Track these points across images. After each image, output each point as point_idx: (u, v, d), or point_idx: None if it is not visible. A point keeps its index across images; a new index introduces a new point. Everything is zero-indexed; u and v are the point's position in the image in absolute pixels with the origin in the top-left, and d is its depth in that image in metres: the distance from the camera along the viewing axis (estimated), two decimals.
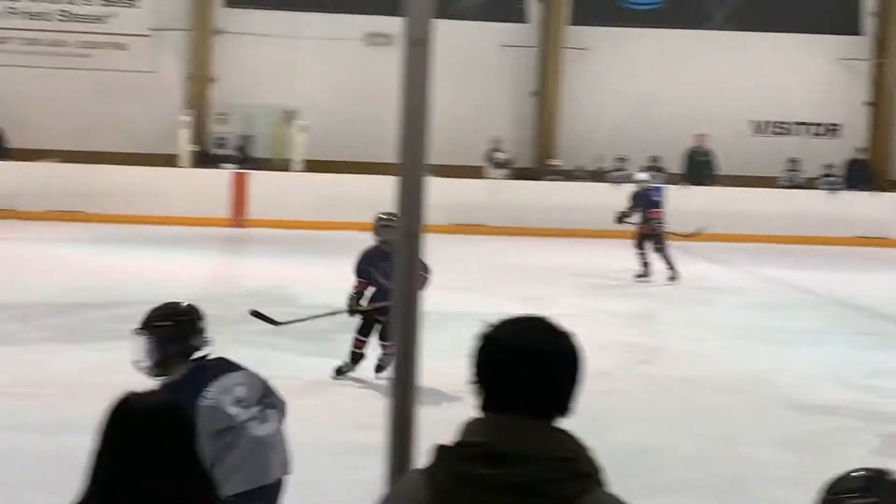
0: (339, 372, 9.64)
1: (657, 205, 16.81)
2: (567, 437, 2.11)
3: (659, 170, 23.75)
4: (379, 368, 9.49)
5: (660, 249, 16.38)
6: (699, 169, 23.73)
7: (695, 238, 16.49)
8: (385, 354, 9.40)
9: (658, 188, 17.39)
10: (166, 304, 4.90)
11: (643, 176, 17.72)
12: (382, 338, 9.47)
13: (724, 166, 23.73)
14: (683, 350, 11.54)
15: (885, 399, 9.65)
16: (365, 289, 9.62)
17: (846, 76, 25.75)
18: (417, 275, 2.60)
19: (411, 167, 2.62)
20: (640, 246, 16.46)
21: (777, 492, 7.10)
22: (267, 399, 4.84)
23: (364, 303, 9.66)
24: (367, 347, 9.63)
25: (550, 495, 2.02)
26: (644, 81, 24.95)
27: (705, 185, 23.28)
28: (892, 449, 8.22)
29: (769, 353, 11.58)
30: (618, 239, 17.02)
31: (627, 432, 7.86)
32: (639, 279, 16.14)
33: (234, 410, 4.59)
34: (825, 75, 25.67)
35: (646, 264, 16.31)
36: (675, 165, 23.70)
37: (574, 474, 2.06)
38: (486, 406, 2.13)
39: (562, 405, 2.13)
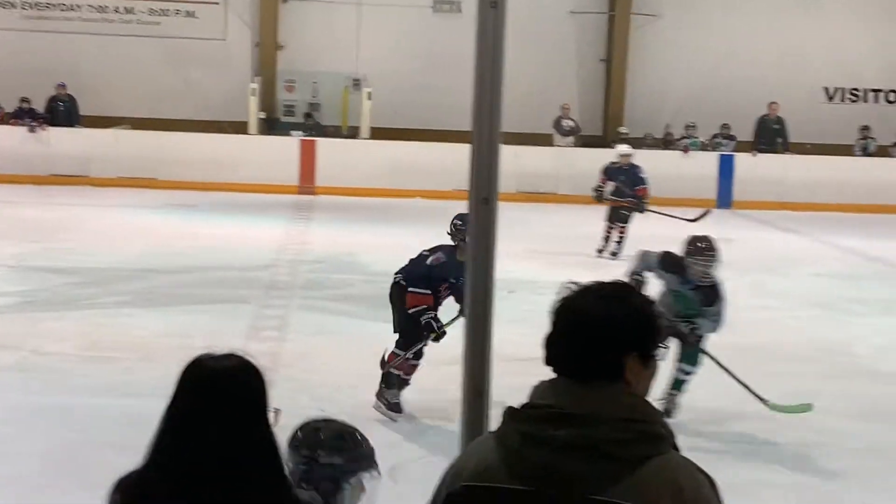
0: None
1: (643, 181, 15.37)
2: (637, 401, 2.11)
3: (729, 138, 23.54)
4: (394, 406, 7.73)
5: (625, 222, 15.33)
6: (771, 137, 23.42)
7: (698, 221, 15.20)
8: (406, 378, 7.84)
9: (639, 165, 15.70)
10: None
11: (624, 149, 16.17)
12: (418, 355, 7.83)
13: (796, 134, 23.41)
14: (757, 319, 11.41)
15: None
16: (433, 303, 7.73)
17: None
18: (493, 244, 2.58)
19: (485, 132, 2.60)
20: (613, 220, 15.40)
21: (849, 461, 7.04)
22: None
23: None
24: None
25: (619, 457, 2.01)
26: (714, 48, 24.65)
27: (777, 153, 23.01)
28: None
29: (844, 322, 11.46)
30: (687, 207, 16.85)
31: (698, 400, 7.80)
32: (601, 254, 15.24)
33: None
34: None
35: (607, 239, 15.42)
36: (745, 133, 23.43)
37: (644, 436, 2.05)
38: (556, 369, 2.14)
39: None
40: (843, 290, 13.28)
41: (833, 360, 9.76)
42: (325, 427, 3.74)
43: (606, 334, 2.11)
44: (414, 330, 7.62)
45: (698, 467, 2.11)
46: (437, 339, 7.60)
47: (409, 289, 7.66)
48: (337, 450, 3.60)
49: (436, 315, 7.62)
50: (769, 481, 6.32)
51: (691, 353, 7.71)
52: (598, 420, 2.04)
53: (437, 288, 7.65)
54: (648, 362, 2.15)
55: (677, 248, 7.83)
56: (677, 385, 7.74)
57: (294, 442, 3.67)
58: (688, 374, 7.73)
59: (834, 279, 14.09)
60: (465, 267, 7.30)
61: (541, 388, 2.14)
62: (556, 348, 2.15)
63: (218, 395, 2.40)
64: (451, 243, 7.72)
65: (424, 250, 7.83)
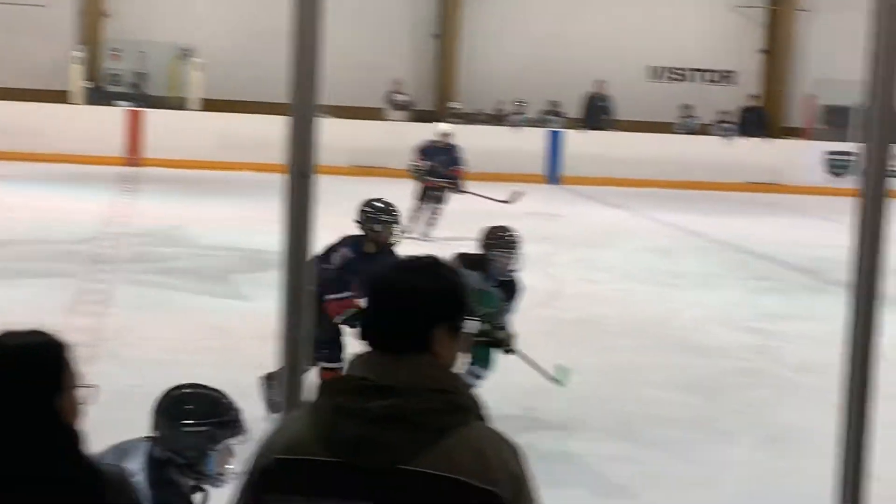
0: None
1: (458, 162, 15.10)
2: (446, 372, 2.15)
3: (557, 114, 23.94)
4: None
5: (438, 203, 14.97)
6: (597, 114, 23.94)
7: (512, 203, 14.72)
8: None
9: (457, 145, 15.26)
10: None
11: (444, 127, 15.80)
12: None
13: (621, 111, 23.96)
14: (580, 293, 11.67)
15: (775, 341, 9.86)
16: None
17: (741, 23, 26.11)
18: (310, 218, 2.57)
19: (303, 105, 2.58)
20: (427, 199, 14.97)
21: (668, 431, 7.23)
22: None
23: None
24: None
25: (426, 426, 2.06)
26: (544, 25, 25.00)
27: (604, 129, 23.51)
28: (782, 390, 8.42)
29: (664, 296, 11.77)
30: (517, 183, 17.08)
31: (524, 374, 7.90)
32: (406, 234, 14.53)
33: None
34: (721, 22, 26.01)
35: (416, 219, 14.66)
36: (573, 110, 23.88)
37: (451, 407, 2.10)
38: (369, 343, 2.17)
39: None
40: (664, 265, 13.67)
41: (653, 332, 10.03)
42: (190, 394, 3.72)
43: (416, 307, 2.14)
44: (339, 339, 6.79)
45: (504, 437, 2.16)
46: None
47: (325, 297, 6.54)
48: (202, 417, 3.59)
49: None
50: (590, 452, 6.47)
51: (485, 355, 6.85)
52: (408, 391, 2.08)
53: (352, 286, 6.59)
54: (457, 334, 2.19)
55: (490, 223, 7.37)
56: None
57: (159, 409, 3.64)
58: (479, 377, 6.80)
59: (656, 254, 14.48)
60: (379, 259, 6.68)
61: (354, 362, 2.17)
62: (368, 322, 2.18)
63: (9, 372, 2.34)
64: (358, 233, 6.97)
65: (328, 246, 6.84)
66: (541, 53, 24.77)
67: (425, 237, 14.43)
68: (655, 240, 15.75)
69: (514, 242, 7.01)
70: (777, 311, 11.20)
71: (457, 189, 15.12)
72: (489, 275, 6.86)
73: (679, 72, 26.18)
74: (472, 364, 6.77)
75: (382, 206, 7.19)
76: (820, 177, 22.96)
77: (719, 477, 6.25)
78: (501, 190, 15.36)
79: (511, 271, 7.00)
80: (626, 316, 10.69)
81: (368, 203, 7.18)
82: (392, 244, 7.02)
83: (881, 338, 2.49)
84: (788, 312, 11.09)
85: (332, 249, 6.86)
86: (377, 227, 6.99)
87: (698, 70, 26.23)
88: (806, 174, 23.07)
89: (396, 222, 7.10)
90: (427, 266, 2.21)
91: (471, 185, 15.15)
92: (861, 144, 2.56)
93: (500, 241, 7.00)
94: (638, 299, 11.52)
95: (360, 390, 2.09)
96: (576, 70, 24.26)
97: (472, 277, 6.67)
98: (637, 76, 25.62)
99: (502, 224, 7.25)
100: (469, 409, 2.13)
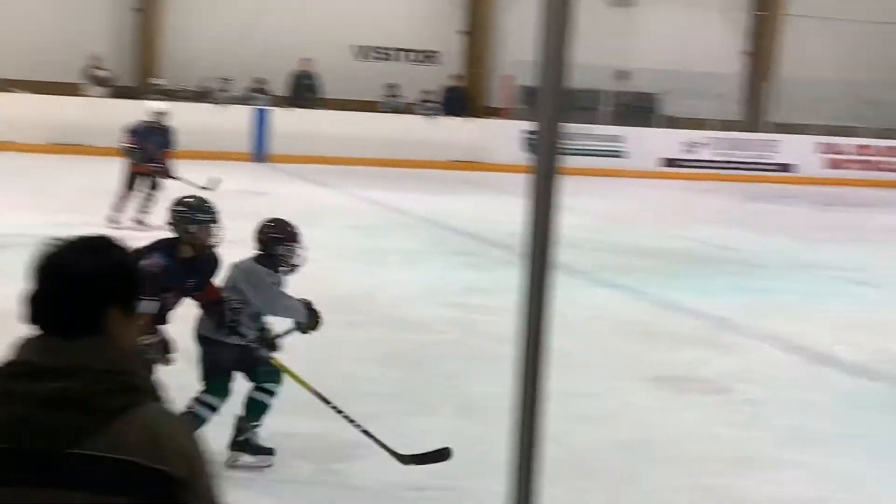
0: None
1: (171, 144, 14.56)
2: (120, 353, 2.12)
3: (263, 92, 23.79)
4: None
5: (153, 189, 14.24)
6: (303, 92, 23.96)
7: (209, 190, 14.65)
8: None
9: (170, 125, 14.71)
10: None
11: (158, 106, 15.11)
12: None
13: (328, 90, 24.07)
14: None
15: (476, 315, 10.17)
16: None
17: (443, 5, 26.69)
18: None
19: None
20: (133, 186, 14.27)
21: (373, 405, 7.33)
22: None
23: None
24: None
25: (97, 408, 2.03)
26: (250, 2, 24.80)
27: (310, 108, 23.57)
28: (479, 361, 8.69)
29: (369, 272, 11.95)
30: (222, 161, 16.88)
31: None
32: (112, 224, 13.43)
33: None
34: (424, 3, 26.51)
35: (122, 208, 14.10)
36: (280, 88, 23.81)
37: (124, 388, 2.07)
38: (35, 325, 2.12)
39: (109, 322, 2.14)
40: (369, 242, 13.86)
41: (358, 309, 10.16)
42: None
43: (87, 287, 2.11)
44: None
45: (177, 416, 2.17)
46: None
47: None
48: None
49: (162, 339, 5.78)
50: (292, 428, 6.49)
51: (274, 369, 6.34)
52: (77, 373, 2.04)
53: (161, 297, 5.80)
54: (131, 315, 2.17)
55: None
56: (261, 411, 6.33)
57: None
58: (274, 395, 6.36)
59: (361, 231, 14.67)
60: (199, 264, 5.95)
61: (21, 345, 2.11)
62: (37, 304, 2.12)
63: None
64: (171, 236, 6.15)
65: (135, 251, 5.92)
66: (246, 30, 24.55)
67: (140, 225, 13.62)
68: (361, 217, 15.94)
69: (298, 235, 6.48)
70: (476, 285, 11.56)
71: (167, 174, 14.44)
72: (280, 273, 6.37)
73: (384, 51, 26.53)
74: (266, 382, 6.33)
75: (196, 203, 6.29)
76: (518, 155, 23.77)
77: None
78: (207, 169, 15.13)
79: (294, 266, 6.46)
80: (331, 293, 10.74)
81: (180, 202, 6.28)
82: (212, 246, 6.21)
83: (553, 306, 2.60)
84: (486, 286, 11.45)
85: (140, 256, 5.63)
86: (192, 229, 6.10)
87: (403, 50, 26.66)
88: (505, 152, 23.86)
89: (214, 221, 6.19)
90: (99, 245, 2.17)
91: (176, 165, 14.78)
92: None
93: (289, 233, 6.45)
94: (343, 276, 11.63)
95: (26, 374, 2.04)
96: (282, 48, 24.19)
97: (278, 278, 6.34)
98: (343, 55, 25.79)
99: (277, 217, 6.68)
100: (143, 390, 2.10)
